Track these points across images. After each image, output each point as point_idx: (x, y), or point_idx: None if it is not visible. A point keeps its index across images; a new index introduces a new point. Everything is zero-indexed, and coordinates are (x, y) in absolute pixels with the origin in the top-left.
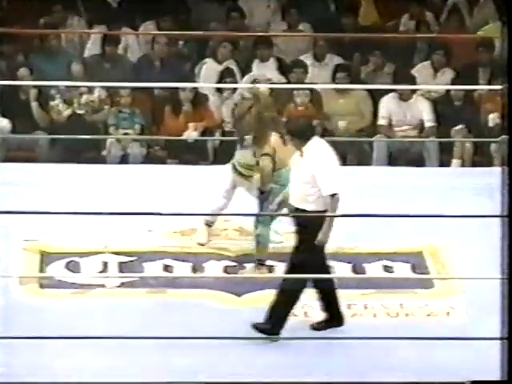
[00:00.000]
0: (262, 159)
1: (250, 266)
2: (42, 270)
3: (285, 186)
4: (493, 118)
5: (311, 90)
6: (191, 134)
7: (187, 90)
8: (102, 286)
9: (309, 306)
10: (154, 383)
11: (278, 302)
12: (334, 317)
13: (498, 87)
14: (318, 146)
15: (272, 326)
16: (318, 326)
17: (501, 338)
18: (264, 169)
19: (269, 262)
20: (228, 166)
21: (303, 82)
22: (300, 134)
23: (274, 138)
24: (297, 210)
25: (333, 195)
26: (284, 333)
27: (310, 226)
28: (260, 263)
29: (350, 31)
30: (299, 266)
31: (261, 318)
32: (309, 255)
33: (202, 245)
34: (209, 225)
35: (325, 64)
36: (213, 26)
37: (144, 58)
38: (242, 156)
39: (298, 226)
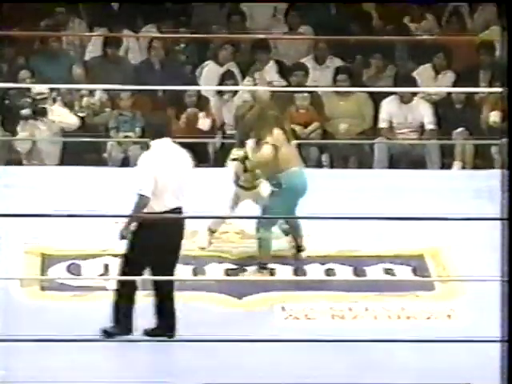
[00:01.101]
0: (264, 147)
1: (251, 268)
2: (43, 273)
3: (291, 189)
4: (493, 115)
5: (311, 92)
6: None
7: (190, 93)
8: (103, 288)
9: (310, 308)
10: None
11: (118, 303)
12: (164, 324)
13: (499, 90)
14: (157, 146)
15: (121, 327)
16: (150, 332)
17: (501, 341)
18: (264, 155)
19: (271, 265)
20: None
21: (304, 85)
22: (149, 132)
23: (278, 133)
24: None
25: (140, 195)
26: (284, 335)
27: (148, 224)
28: (262, 266)
29: (352, 34)
30: (131, 263)
31: (260, 319)
32: (143, 254)
33: (203, 249)
34: (212, 231)
35: (326, 67)
36: (214, 29)
37: (145, 61)
38: (237, 154)
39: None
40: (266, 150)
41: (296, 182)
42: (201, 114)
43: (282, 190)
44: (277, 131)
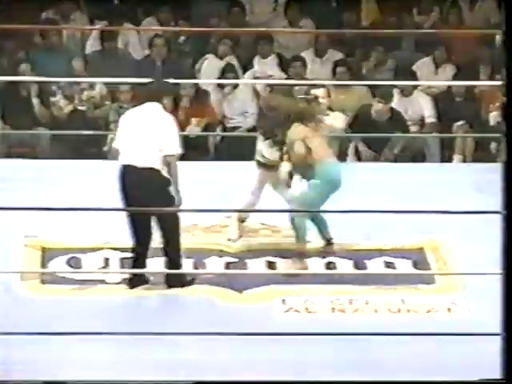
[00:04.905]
0: (296, 144)
1: (257, 261)
2: (43, 266)
3: (327, 182)
4: (494, 116)
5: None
6: (193, 129)
7: (188, 87)
8: (104, 282)
9: (310, 301)
10: (154, 382)
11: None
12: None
13: (499, 83)
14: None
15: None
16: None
17: (501, 335)
18: (297, 153)
19: (271, 259)
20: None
21: (302, 76)
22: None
23: (303, 128)
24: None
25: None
26: (285, 329)
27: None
28: (298, 257)
29: (352, 27)
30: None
31: (261, 313)
32: None
33: (233, 241)
34: (242, 220)
35: (326, 60)
36: (214, 22)
37: (145, 55)
38: (265, 148)
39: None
40: (299, 148)
41: (332, 175)
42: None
43: (319, 183)
44: (302, 127)
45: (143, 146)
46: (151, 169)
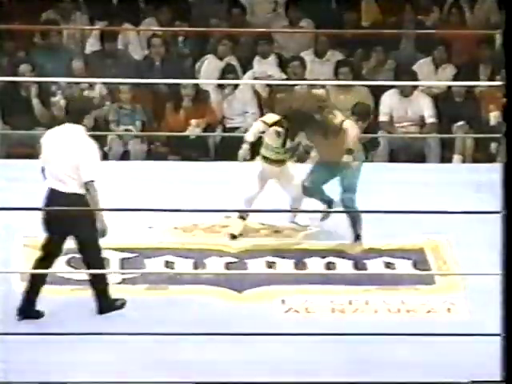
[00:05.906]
0: (346, 122)
1: (259, 261)
2: None
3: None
4: (494, 116)
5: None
6: (194, 130)
7: (188, 87)
8: None
9: (310, 302)
10: (153, 383)
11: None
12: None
13: (499, 83)
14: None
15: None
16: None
17: (500, 335)
18: (351, 130)
19: (271, 259)
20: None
21: (301, 76)
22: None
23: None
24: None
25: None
26: (284, 329)
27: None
28: (358, 237)
29: (352, 27)
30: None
31: (261, 313)
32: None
33: (235, 237)
34: (243, 217)
35: (326, 60)
36: (214, 22)
37: (145, 55)
38: (271, 140)
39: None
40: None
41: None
42: None
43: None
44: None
45: (64, 170)
46: (74, 194)
